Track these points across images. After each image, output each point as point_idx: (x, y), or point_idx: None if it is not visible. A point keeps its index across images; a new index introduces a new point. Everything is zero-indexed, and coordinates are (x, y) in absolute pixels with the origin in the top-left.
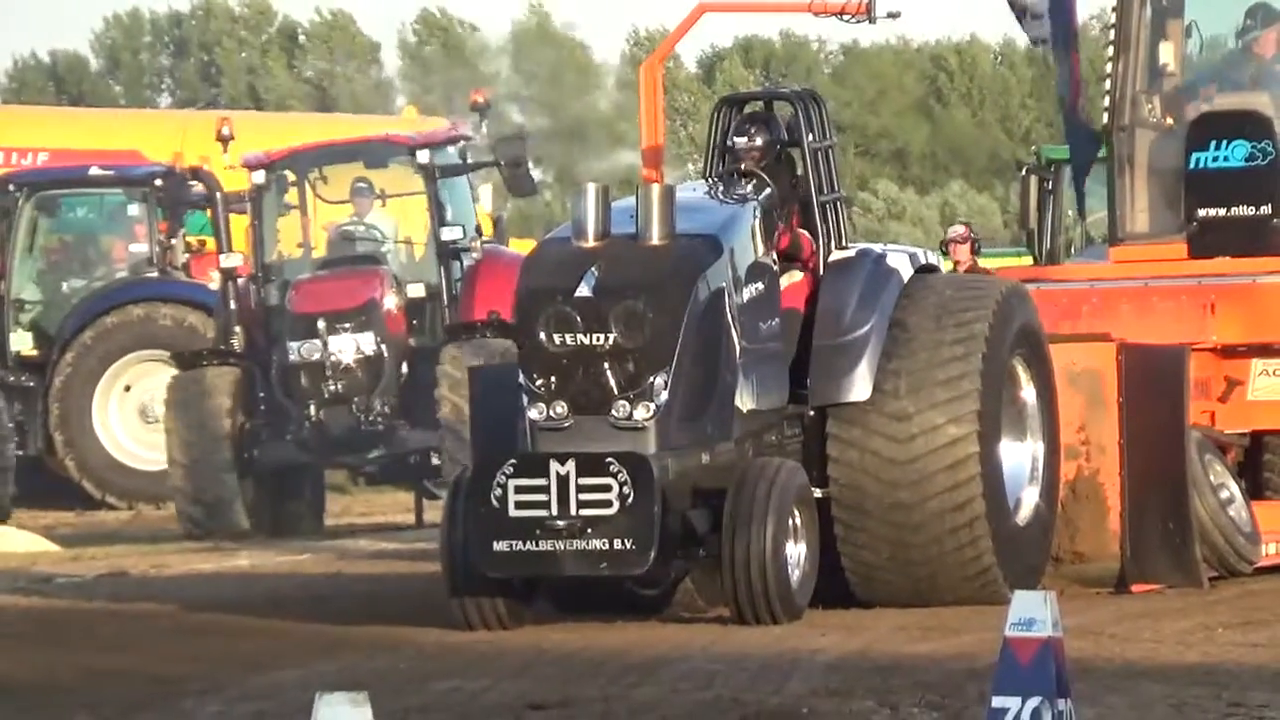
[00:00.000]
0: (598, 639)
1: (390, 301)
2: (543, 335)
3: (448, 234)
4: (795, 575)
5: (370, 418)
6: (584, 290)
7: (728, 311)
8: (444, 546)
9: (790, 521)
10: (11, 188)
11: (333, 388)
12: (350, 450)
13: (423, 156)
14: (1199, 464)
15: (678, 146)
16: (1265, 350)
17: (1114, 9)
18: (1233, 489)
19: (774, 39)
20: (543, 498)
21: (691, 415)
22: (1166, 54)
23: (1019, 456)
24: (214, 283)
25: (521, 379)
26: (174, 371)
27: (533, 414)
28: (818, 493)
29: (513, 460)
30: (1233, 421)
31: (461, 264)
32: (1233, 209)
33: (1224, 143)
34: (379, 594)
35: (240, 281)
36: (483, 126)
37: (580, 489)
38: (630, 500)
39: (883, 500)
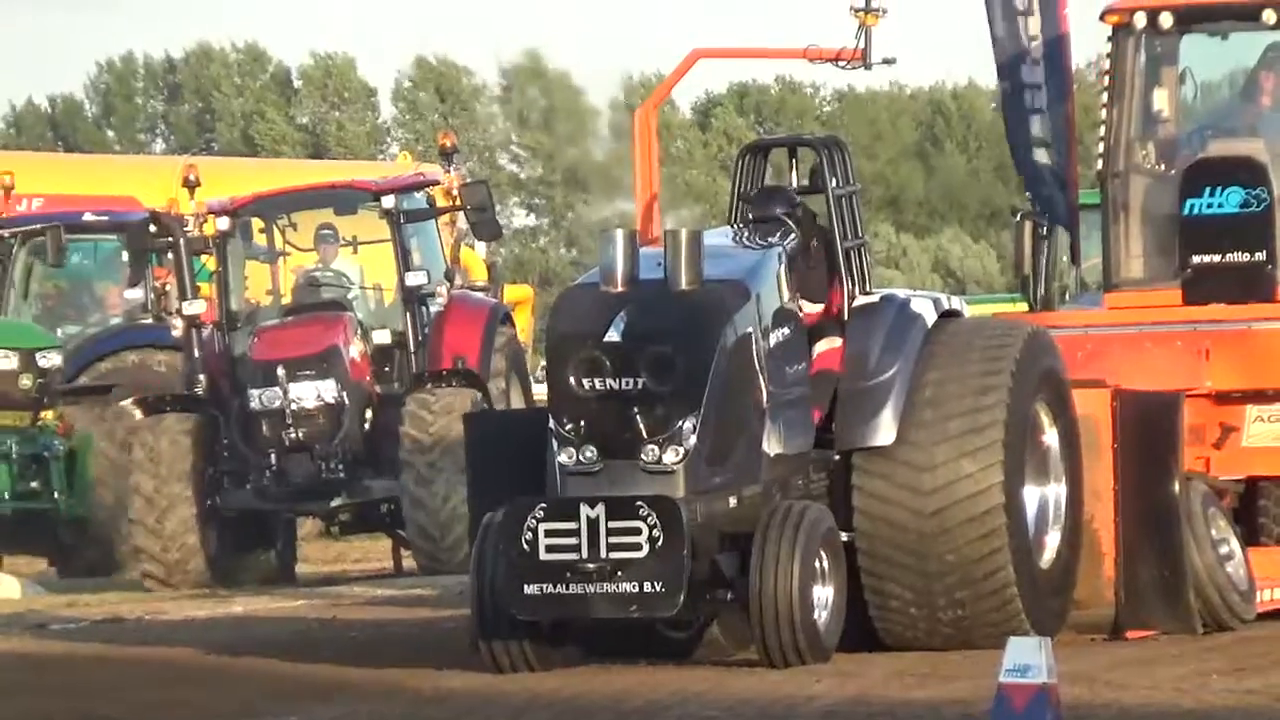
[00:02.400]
0: (593, 685)
1: (354, 348)
2: (572, 380)
3: (412, 279)
4: (823, 617)
5: (331, 465)
6: (613, 335)
7: (755, 356)
8: (474, 589)
9: (817, 564)
10: (6, 233)
11: (293, 435)
12: (312, 498)
13: (388, 202)
14: (1202, 517)
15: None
16: (1260, 396)
17: (1108, 55)
18: (1234, 545)
19: (769, 85)
20: (573, 541)
21: (719, 459)
22: (1161, 101)
23: (1042, 501)
24: (177, 330)
25: (551, 423)
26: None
27: (562, 458)
28: (844, 536)
29: (543, 504)
30: (1228, 468)
31: (428, 310)
32: (1227, 255)
33: (1218, 189)
34: (374, 639)
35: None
36: (450, 170)
37: (610, 532)
38: (660, 543)
39: (908, 546)
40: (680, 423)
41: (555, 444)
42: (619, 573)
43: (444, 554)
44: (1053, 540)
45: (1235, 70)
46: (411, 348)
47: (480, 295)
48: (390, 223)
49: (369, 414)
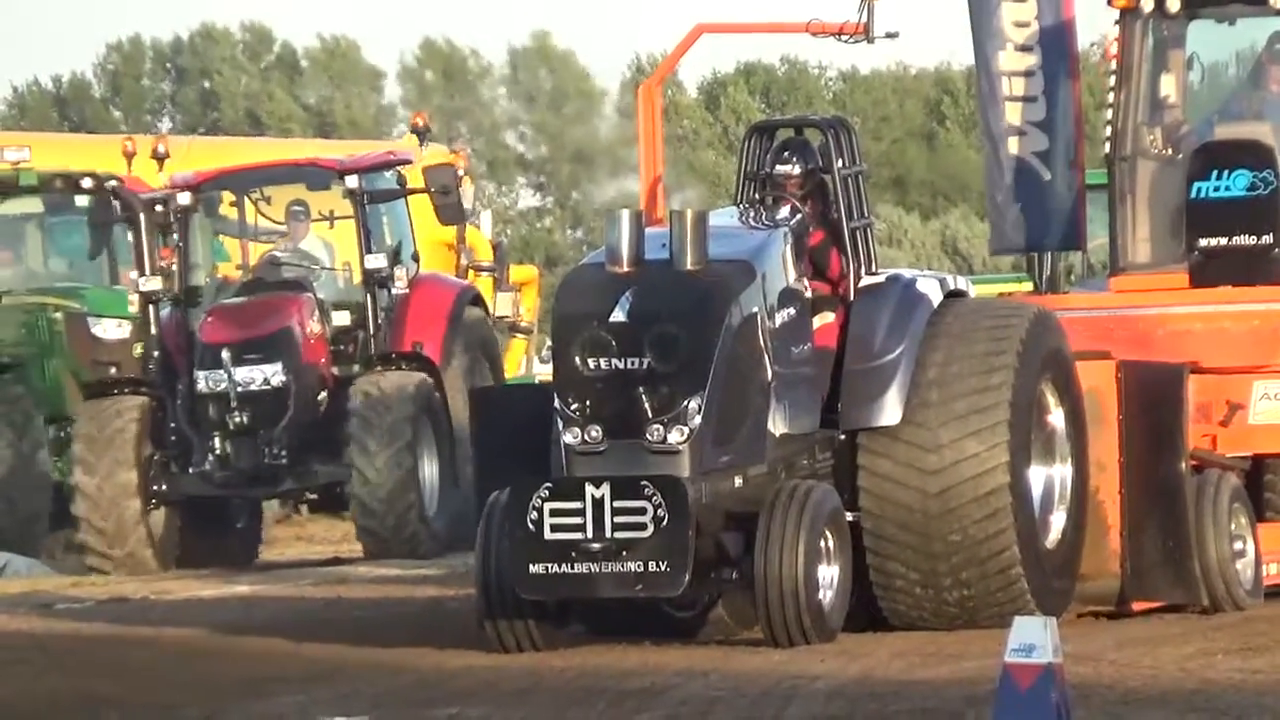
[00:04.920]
0: (598, 665)
1: (310, 330)
2: (578, 360)
3: (372, 262)
4: (828, 597)
5: (276, 450)
6: (619, 315)
7: (760, 336)
8: (479, 569)
9: (822, 544)
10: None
11: (238, 419)
12: (256, 484)
13: (351, 181)
14: (1226, 510)
15: (679, 174)
16: (1267, 373)
17: (1115, 39)
18: (1249, 545)
19: (775, 65)
20: (578, 520)
21: (725, 439)
22: (1168, 85)
23: (1048, 480)
24: (133, 306)
25: (556, 403)
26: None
27: (568, 438)
28: (850, 516)
29: (548, 484)
30: (1234, 445)
31: (390, 292)
32: (1234, 238)
33: (1225, 172)
34: (378, 619)
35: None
36: (423, 150)
37: (615, 512)
38: (665, 523)
39: (913, 526)
40: (685, 403)
41: (560, 423)
42: (624, 552)
43: (388, 534)
44: (1058, 520)
45: (1242, 56)
46: (371, 329)
47: (449, 277)
48: (354, 202)
49: (323, 397)
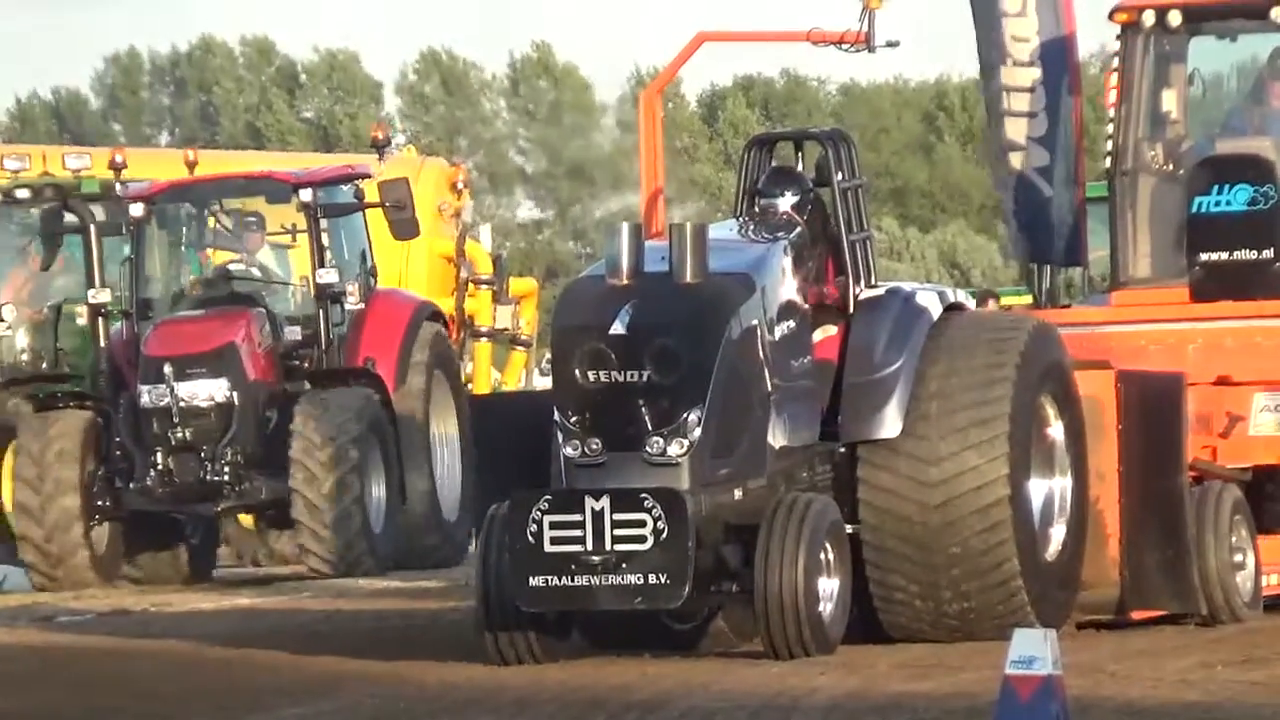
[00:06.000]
0: (598, 677)
1: (258, 344)
2: (577, 372)
3: (324, 277)
4: (827, 610)
5: (218, 466)
6: (618, 328)
7: (760, 349)
8: (479, 581)
9: (822, 556)
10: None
11: (180, 434)
12: (198, 499)
13: (305, 195)
14: (1228, 521)
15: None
16: (1267, 385)
17: (1116, 54)
18: (1249, 558)
19: (774, 77)
20: (578, 533)
21: (724, 451)
22: (1169, 100)
23: (1048, 493)
24: (82, 318)
25: (556, 415)
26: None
27: (567, 450)
28: (849, 528)
29: (548, 496)
30: (1234, 456)
31: (341, 307)
32: (1235, 253)
33: (1226, 187)
34: (379, 631)
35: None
36: (381, 163)
37: (615, 524)
38: (664, 535)
39: (913, 539)
40: (685, 415)
41: (560, 436)
42: (624, 565)
43: (332, 557)
44: (1058, 532)
45: (1243, 71)
46: (323, 345)
47: (406, 292)
48: (307, 216)
49: (272, 413)
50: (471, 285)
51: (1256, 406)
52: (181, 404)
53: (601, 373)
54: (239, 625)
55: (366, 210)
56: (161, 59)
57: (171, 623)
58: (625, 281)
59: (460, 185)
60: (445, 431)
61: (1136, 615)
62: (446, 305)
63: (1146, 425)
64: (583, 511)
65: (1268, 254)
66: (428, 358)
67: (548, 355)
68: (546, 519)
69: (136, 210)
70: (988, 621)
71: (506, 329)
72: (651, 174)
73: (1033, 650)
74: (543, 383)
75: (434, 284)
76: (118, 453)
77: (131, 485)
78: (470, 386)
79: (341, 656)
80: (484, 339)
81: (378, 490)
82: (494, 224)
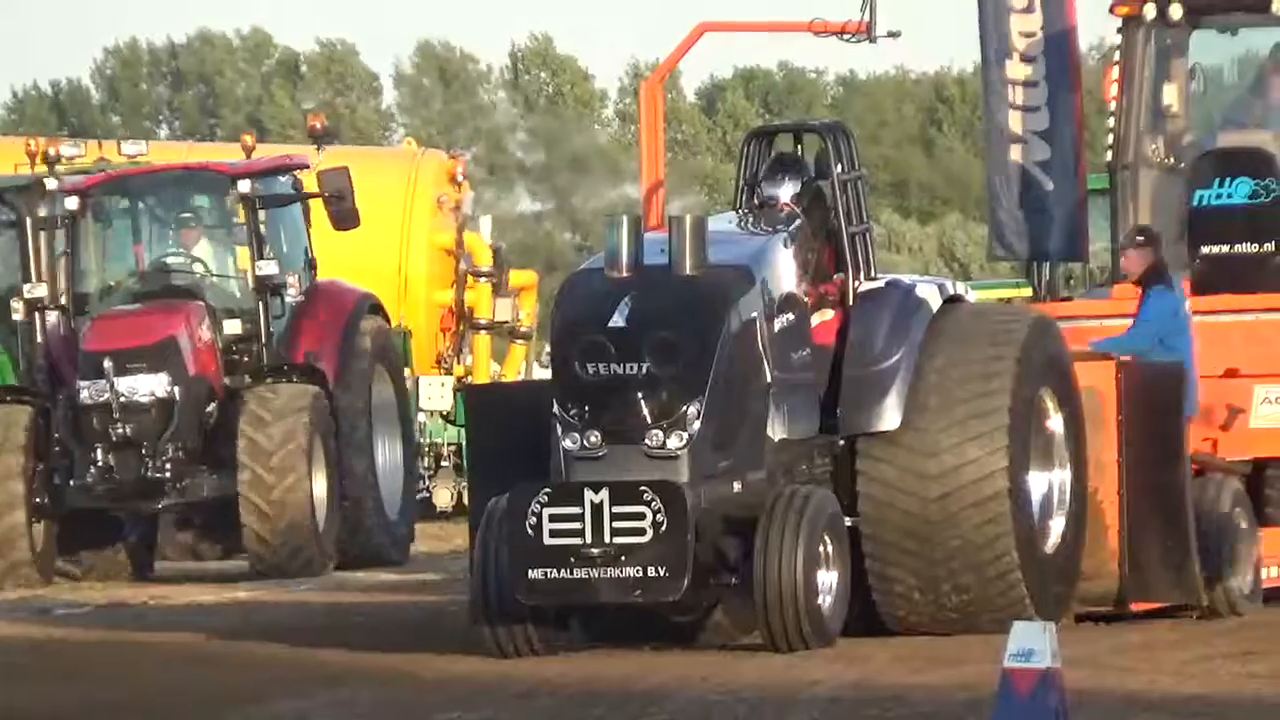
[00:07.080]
0: (597, 670)
1: (199, 339)
2: (576, 365)
3: (264, 269)
4: (827, 602)
5: (159, 463)
6: (617, 321)
7: (759, 342)
8: (478, 574)
9: (821, 549)
10: None
11: (120, 431)
12: (139, 497)
13: (243, 186)
14: (1230, 515)
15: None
16: (1267, 377)
17: (1118, 47)
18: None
19: (773, 69)
20: (577, 526)
21: (723, 444)
22: (1170, 94)
23: (1047, 486)
24: (18, 313)
25: (555, 408)
26: None
27: (567, 443)
28: (848, 521)
29: (547, 489)
30: (1235, 449)
31: (282, 300)
32: (1236, 246)
33: (1228, 180)
34: (378, 624)
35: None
36: (319, 154)
37: (614, 517)
38: (664, 528)
39: (912, 531)
40: (684, 408)
41: (560, 429)
42: (623, 557)
43: (280, 559)
44: (1057, 525)
45: (1244, 64)
46: (263, 339)
47: (347, 284)
48: (245, 208)
49: (213, 408)
50: (471, 278)
51: (1257, 399)
52: (121, 399)
53: (601, 365)
54: (237, 618)
55: (308, 201)
56: (159, 50)
57: (169, 616)
58: (625, 274)
59: (459, 178)
60: (387, 428)
61: (1136, 607)
62: (446, 298)
63: (1146, 415)
64: (582, 504)
65: (1269, 247)
66: (370, 351)
67: (547, 348)
68: (546, 512)
69: (71, 204)
70: (987, 614)
71: (506, 321)
72: (653, 164)
73: (1032, 643)
74: (543, 375)
75: (433, 276)
76: (57, 449)
77: (72, 483)
78: (470, 380)
79: (341, 650)
80: (483, 331)
81: (320, 488)
82: (493, 216)
